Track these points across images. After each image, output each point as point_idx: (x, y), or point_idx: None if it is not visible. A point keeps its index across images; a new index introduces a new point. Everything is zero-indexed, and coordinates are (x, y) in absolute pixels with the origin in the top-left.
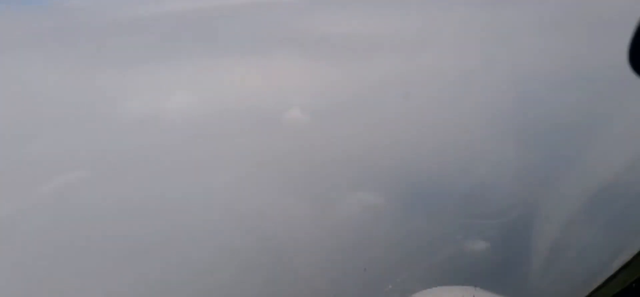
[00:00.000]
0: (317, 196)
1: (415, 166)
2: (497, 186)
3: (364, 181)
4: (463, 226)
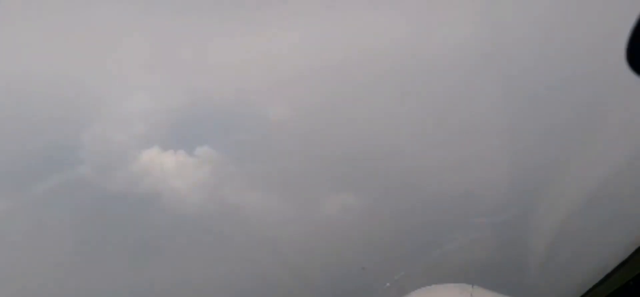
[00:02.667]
0: (313, 193)
1: (413, 163)
2: (495, 183)
3: (361, 179)
4: (460, 224)
